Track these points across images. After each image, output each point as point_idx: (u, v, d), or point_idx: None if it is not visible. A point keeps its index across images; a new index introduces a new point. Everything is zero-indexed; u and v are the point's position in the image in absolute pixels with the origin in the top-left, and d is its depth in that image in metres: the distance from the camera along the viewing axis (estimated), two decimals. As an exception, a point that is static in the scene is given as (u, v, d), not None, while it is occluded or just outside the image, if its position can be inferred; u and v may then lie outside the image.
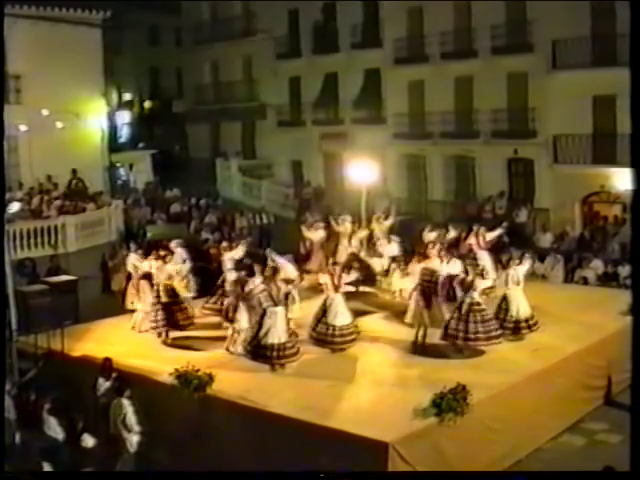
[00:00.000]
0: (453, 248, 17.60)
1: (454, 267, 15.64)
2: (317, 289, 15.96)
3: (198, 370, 12.59)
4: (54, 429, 12.43)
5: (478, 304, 14.31)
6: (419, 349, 14.69)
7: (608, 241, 23.84)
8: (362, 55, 33.23)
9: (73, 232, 25.52)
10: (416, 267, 15.73)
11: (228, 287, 15.57)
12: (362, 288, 18.07)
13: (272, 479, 10.99)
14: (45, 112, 29.05)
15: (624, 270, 20.78)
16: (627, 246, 21.68)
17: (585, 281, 21.49)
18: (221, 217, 30.20)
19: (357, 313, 15.52)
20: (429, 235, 18.06)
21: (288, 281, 14.42)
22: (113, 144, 36.17)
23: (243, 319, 14.51)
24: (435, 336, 14.77)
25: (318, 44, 35.22)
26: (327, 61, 34.85)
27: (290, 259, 16.29)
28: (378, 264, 18.21)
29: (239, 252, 17.03)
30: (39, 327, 15.30)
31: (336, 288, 14.60)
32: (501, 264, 15.99)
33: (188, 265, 16.50)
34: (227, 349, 14.55)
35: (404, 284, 16.36)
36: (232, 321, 14.68)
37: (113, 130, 39.37)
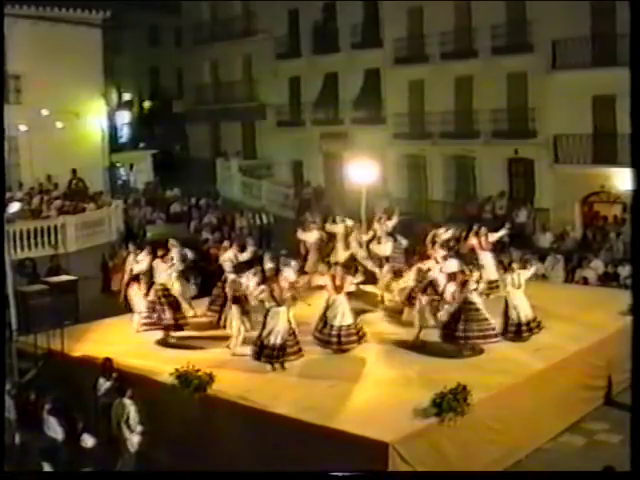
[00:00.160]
0: (452, 247, 17.62)
1: (449, 267, 15.65)
2: (313, 290, 16.03)
3: (198, 370, 12.59)
4: (54, 429, 12.42)
5: (473, 303, 14.32)
6: (418, 348, 14.70)
7: (613, 241, 23.81)
8: (362, 55, 33.23)
9: (73, 232, 25.54)
10: (413, 267, 15.76)
11: (227, 289, 15.59)
12: (361, 288, 18.06)
13: (272, 479, 10.98)
14: (45, 112, 29.10)
15: (624, 270, 20.78)
16: (627, 246, 21.70)
17: (585, 281, 21.49)
18: (221, 217, 30.22)
19: (356, 313, 15.48)
20: (444, 234, 18.02)
21: (291, 282, 14.43)
22: (113, 144, 36.21)
23: (234, 322, 14.53)
24: (436, 336, 14.80)
25: (318, 44, 35.22)
26: (327, 61, 34.86)
27: (295, 265, 16.32)
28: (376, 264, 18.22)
29: (245, 254, 16.97)
30: (39, 327, 15.29)
31: (338, 289, 14.58)
32: (503, 266, 15.97)
33: (183, 264, 16.42)
34: (228, 347, 14.57)
35: (400, 284, 16.38)
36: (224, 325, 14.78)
37: (113, 130, 39.39)
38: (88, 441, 12.35)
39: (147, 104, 48.04)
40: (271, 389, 12.79)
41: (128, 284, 16.45)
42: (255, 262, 16.48)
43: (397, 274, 17.09)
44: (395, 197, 30.17)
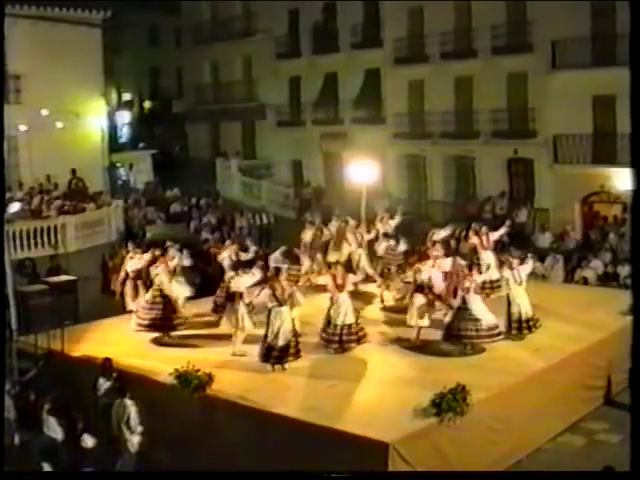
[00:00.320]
0: (450, 246, 17.63)
1: (445, 266, 15.69)
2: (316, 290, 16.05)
3: (198, 370, 12.58)
4: (54, 429, 12.41)
5: (467, 303, 14.35)
6: (418, 348, 14.71)
7: (613, 241, 23.78)
8: (362, 55, 33.24)
9: (73, 232, 25.51)
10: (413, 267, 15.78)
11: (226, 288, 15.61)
12: (361, 287, 18.09)
13: (272, 479, 10.98)
14: (45, 112, 29.09)
15: (624, 270, 20.78)
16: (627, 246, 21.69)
17: (585, 281, 21.49)
18: (221, 217, 30.23)
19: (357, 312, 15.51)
20: (442, 233, 18.05)
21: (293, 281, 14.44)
22: (113, 144, 36.20)
23: (235, 321, 14.54)
24: (436, 335, 14.81)
25: (318, 44, 35.23)
26: (327, 61, 34.86)
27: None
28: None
29: (247, 254, 16.94)
30: (39, 327, 15.29)
31: (339, 288, 14.60)
32: (502, 264, 15.99)
33: (180, 264, 16.39)
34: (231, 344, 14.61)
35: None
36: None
37: (113, 130, 39.40)
38: (88, 441, 12.34)
39: (147, 104, 48.06)
40: (271, 389, 12.79)
41: (124, 283, 16.47)
42: (256, 262, 16.44)
43: (384, 276, 17.20)
44: (395, 197, 30.18)
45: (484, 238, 17.96)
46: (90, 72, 31.11)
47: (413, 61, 31.25)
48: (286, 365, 13.60)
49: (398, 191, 31.56)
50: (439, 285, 15.20)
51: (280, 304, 13.60)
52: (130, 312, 16.37)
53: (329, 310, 14.55)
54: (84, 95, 31.08)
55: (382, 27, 32.75)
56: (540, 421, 13.12)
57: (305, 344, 14.20)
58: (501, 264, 16.00)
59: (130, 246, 17.27)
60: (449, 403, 11.36)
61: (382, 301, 17.64)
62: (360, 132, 33.01)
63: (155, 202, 33.04)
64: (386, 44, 32.36)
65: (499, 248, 18.97)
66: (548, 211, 27.42)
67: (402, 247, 18.39)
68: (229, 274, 15.61)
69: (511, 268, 15.38)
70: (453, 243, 18.18)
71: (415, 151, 32.03)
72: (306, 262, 18.61)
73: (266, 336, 13.60)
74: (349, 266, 16.42)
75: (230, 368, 13.67)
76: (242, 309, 14.60)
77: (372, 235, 18.97)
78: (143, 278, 16.07)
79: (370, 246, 18.95)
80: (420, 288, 15.19)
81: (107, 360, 13.56)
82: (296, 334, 13.88)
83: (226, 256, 16.61)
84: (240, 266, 15.84)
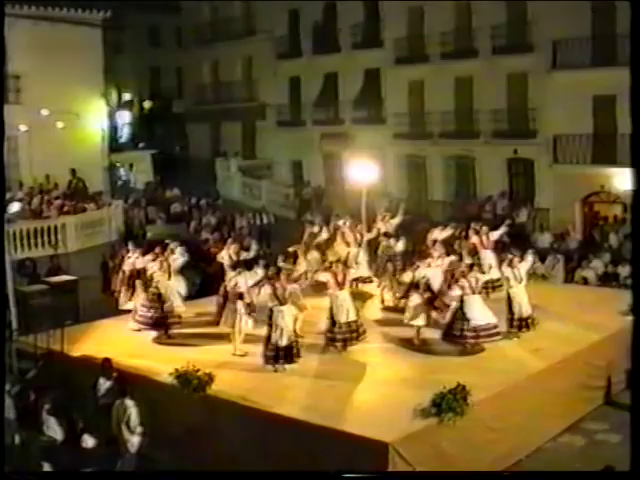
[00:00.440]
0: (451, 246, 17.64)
1: (443, 266, 15.71)
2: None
3: (198, 370, 12.58)
4: (54, 429, 12.41)
5: (464, 302, 14.37)
6: (418, 348, 14.72)
7: (613, 241, 23.76)
8: (362, 55, 33.23)
9: (73, 232, 25.55)
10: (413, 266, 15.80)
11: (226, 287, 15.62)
12: (361, 287, 18.09)
13: (272, 479, 10.98)
14: (45, 112, 29.08)
15: (624, 270, 20.78)
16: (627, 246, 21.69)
17: (585, 281, 21.49)
18: (221, 217, 30.22)
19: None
20: (442, 233, 18.06)
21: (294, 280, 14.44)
22: (113, 144, 36.20)
23: (235, 321, 14.54)
24: (436, 335, 14.82)
25: (318, 44, 35.22)
26: (327, 61, 34.86)
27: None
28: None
29: (249, 253, 16.95)
30: (39, 327, 15.29)
31: (340, 286, 14.60)
32: (502, 261, 16.00)
33: (179, 263, 16.37)
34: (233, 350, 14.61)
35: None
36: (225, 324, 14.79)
37: (113, 130, 39.41)
38: (88, 441, 12.35)
39: (147, 104, 48.05)
40: (271, 389, 12.79)
41: (122, 283, 16.48)
42: (258, 261, 16.41)
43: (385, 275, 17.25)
44: (395, 197, 30.17)
45: (484, 238, 17.97)
46: (90, 72, 31.10)
47: (413, 61, 31.25)
48: (286, 365, 13.59)
49: (398, 191, 31.53)
50: (437, 284, 15.20)
51: (281, 303, 13.60)
52: (128, 312, 16.38)
53: (331, 309, 14.54)
54: (84, 95, 31.08)
55: (382, 27, 32.75)
56: (540, 421, 13.13)
57: (305, 344, 14.20)
58: (501, 262, 16.01)
59: (130, 246, 17.28)
60: (449, 403, 11.36)
61: (382, 301, 17.64)
62: (360, 132, 33.00)
63: (155, 202, 33.03)
64: (386, 44, 32.36)
65: (499, 248, 18.97)
66: (548, 211, 27.41)
67: (400, 247, 18.38)
68: (229, 274, 15.62)
69: (511, 266, 15.40)
70: (457, 244, 18.09)
71: (415, 151, 32.03)
72: (304, 262, 18.59)
73: (270, 337, 13.55)
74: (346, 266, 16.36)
75: (230, 368, 13.67)
76: (241, 309, 14.59)
77: (373, 234, 18.96)
78: (143, 278, 16.05)
79: (370, 245, 18.95)
80: (417, 287, 15.20)
81: (106, 360, 13.55)
82: (296, 334, 13.88)
83: (226, 255, 16.59)
84: (241, 265, 15.83)
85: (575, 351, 14.43)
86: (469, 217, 25.81)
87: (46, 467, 11.30)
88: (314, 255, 18.62)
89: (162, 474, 11.77)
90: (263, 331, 13.83)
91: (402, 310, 15.85)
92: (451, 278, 14.89)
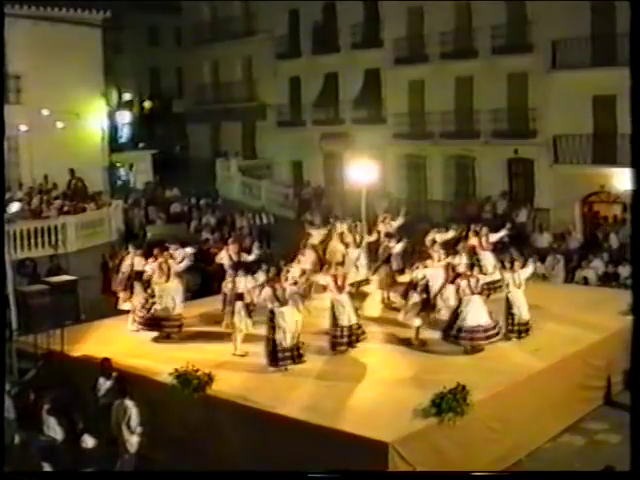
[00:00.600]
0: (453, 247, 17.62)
1: (442, 266, 15.72)
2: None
3: (198, 370, 12.58)
4: (54, 429, 12.42)
5: (464, 303, 14.38)
6: (418, 348, 14.72)
7: (618, 241, 23.75)
8: (362, 55, 33.23)
9: (73, 232, 25.55)
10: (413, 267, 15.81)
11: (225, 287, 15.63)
12: (361, 288, 18.08)
13: (272, 479, 10.97)
14: (45, 112, 29.07)
15: (624, 270, 20.78)
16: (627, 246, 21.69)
17: (586, 281, 21.49)
18: (221, 217, 30.22)
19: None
20: (444, 235, 18.06)
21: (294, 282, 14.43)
22: (113, 144, 36.17)
23: (235, 321, 14.55)
24: (436, 335, 14.82)
25: (318, 44, 35.21)
26: (327, 61, 34.86)
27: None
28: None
29: (250, 256, 16.94)
30: (39, 327, 15.29)
31: (339, 289, 14.60)
32: (503, 266, 15.99)
33: (182, 266, 16.35)
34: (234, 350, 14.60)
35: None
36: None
37: (113, 130, 39.37)
38: (88, 441, 12.35)
39: (147, 104, 48.07)
40: (271, 389, 12.79)
41: (121, 283, 16.49)
42: (260, 264, 16.40)
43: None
44: (395, 197, 30.19)
45: (483, 239, 17.95)
46: (90, 72, 31.11)
47: (413, 61, 31.25)
48: (291, 365, 13.58)
49: (398, 191, 31.55)
50: (438, 285, 15.20)
51: (281, 304, 13.59)
52: (127, 312, 16.38)
53: (333, 312, 14.53)
54: (84, 95, 31.07)
55: (382, 27, 32.74)
56: (540, 421, 13.12)
57: (305, 344, 14.19)
58: (502, 266, 15.98)
59: (131, 247, 17.28)
60: (449, 403, 11.36)
61: (382, 301, 17.63)
62: (360, 132, 32.99)
63: (155, 202, 33.04)
64: (386, 44, 32.35)
65: (499, 249, 18.96)
66: (548, 211, 27.41)
67: (399, 247, 18.34)
68: (229, 274, 15.62)
69: (512, 271, 15.37)
70: (460, 246, 18.05)
71: (415, 151, 32.03)
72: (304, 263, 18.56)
73: (272, 339, 13.52)
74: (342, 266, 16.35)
75: (230, 368, 13.66)
76: (240, 309, 14.59)
77: (373, 237, 18.92)
78: (143, 279, 16.06)
79: (371, 248, 18.92)
80: (416, 288, 15.20)
81: (106, 360, 13.56)
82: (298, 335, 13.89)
83: (226, 256, 16.58)
84: (241, 267, 15.83)
85: (575, 351, 14.43)
86: (469, 217, 25.84)
87: (46, 467, 11.31)
88: (310, 256, 18.59)
89: (162, 474, 11.78)
90: (263, 331, 13.82)
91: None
92: (451, 278, 14.89)
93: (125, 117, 46.38)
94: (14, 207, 25.21)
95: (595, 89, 25.61)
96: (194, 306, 17.23)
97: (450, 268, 15.51)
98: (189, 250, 16.60)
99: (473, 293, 14.52)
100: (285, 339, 13.44)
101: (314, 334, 14.87)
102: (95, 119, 32.21)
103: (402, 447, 10.76)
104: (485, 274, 15.82)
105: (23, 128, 28.20)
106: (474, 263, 16.25)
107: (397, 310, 16.51)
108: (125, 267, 16.49)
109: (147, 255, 16.41)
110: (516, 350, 14.56)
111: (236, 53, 39.73)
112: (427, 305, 15.12)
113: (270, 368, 13.54)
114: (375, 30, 33.04)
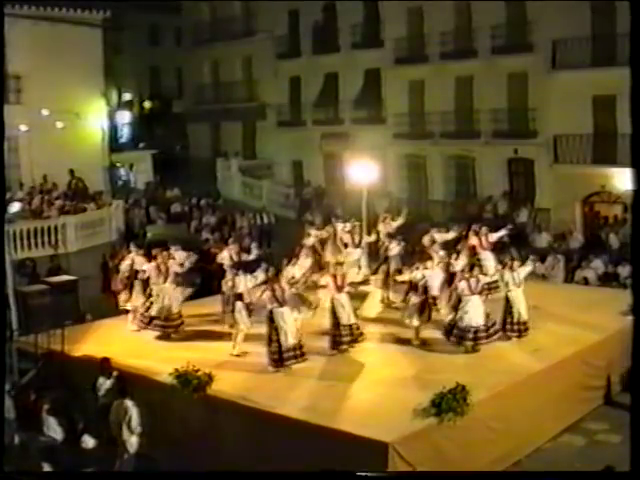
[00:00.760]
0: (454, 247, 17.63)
1: (442, 267, 15.74)
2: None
3: (198, 370, 12.59)
4: (54, 429, 12.42)
5: (463, 303, 14.39)
6: (418, 348, 14.72)
7: (618, 241, 23.75)
8: (362, 55, 33.23)
9: (73, 232, 25.54)
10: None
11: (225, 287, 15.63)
12: (361, 288, 18.08)
13: (272, 479, 10.97)
14: (45, 112, 29.07)
15: (624, 270, 20.77)
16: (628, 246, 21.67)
17: (586, 281, 21.48)
18: (221, 217, 30.22)
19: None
20: (444, 235, 18.07)
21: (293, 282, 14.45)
22: (113, 144, 36.17)
23: (235, 320, 14.54)
24: (436, 334, 14.82)
25: (318, 44, 35.20)
26: (327, 61, 34.85)
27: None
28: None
29: (250, 256, 16.93)
30: (39, 327, 15.29)
31: (339, 289, 14.60)
32: (502, 265, 15.99)
33: (182, 268, 16.36)
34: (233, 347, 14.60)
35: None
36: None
37: (113, 130, 39.37)
38: (88, 442, 12.35)
39: (147, 104, 48.06)
40: (271, 389, 12.79)
41: (121, 283, 16.49)
42: (259, 263, 16.39)
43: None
44: (395, 197, 30.19)
45: (483, 239, 17.96)
46: (90, 72, 31.09)
47: (413, 61, 31.23)
48: (294, 364, 13.58)
49: (398, 191, 31.55)
50: (438, 285, 15.21)
51: (280, 305, 13.59)
52: (127, 312, 16.39)
53: (334, 312, 14.53)
54: (84, 95, 31.06)
55: (382, 27, 32.72)
56: (540, 421, 13.13)
57: (304, 345, 14.19)
58: (503, 266, 15.99)
59: (132, 247, 17.29)
60: (449, 403, 11.37)
61: (382, 301, 17.63)
62: (360, 132, 32.96)
63: (155, 202, 33.05)
64: (386, 44, 32.34)
65: (499, 248, 18.97)
66: (549, 211, 27.41)
67: (396, 250, 18.29)
68: (229, 275, 15.62)
69: (512, 270, 15.38)
70: (460, 245, 18.06)
71: (415, 151, 32.02)
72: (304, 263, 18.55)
73: (272, 339, 13.52)
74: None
75: (230, 368, 13.67)
76: (241, 309, 14.58)
77: (373, 238, 18.92)
78: (140, 278, 16.06)
79: (371, 248, 18.92)
80: (416, 288, 15.20)
81: (105, 360, 13.56)
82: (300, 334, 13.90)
83: (226, 256, 16.58)
84: (241, 267, 15.83)
85: (575, 351, 14.43)
86: (470, 217, 25.84)
87: (46, 467, 11.31)
88: (308, 256, 18.59)
89: (162, 474, 11.78)
90: (263, 331, 13.82)
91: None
92: (452, 278, 14.91)
93: (125, 117, 46.37)
94: (14, 207, 25.26)
95: (595, 89, 25.61)
96: (194, 306, 17.23)
97: (450, 268, 15.53)
98: (192, 256, 16.63)
99: (473, 293, 14.52)
100: (287, 339, 13.44)
101: (313, 334, 14.88)
102: (95, 119, 32.20)
103: (402, 447, 10.77)
104: (486, 274, 15.81)
105: (23, 128, 28.21)
106: (475, 263, 16.26)
107: (397, 310, 16.55)
108: (125, 266, 16.50)
109: (147, 255, 16.42)
110: (516, 350, 14.57)
111: (236, 53, 39.72)
112: (426, 305, 15.12)
113: (273, 369, 13.53)
114: (375, 30, 33.03)
